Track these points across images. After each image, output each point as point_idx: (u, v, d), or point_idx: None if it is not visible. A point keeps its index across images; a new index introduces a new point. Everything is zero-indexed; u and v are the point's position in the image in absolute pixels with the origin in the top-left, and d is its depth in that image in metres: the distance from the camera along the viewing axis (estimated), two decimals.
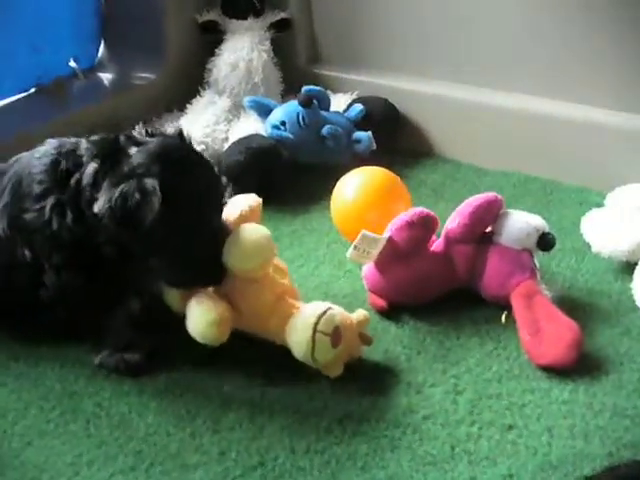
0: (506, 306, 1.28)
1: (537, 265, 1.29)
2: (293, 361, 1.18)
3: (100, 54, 1.92)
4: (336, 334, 1.15)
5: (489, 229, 1.32)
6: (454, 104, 1.73)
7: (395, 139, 1.78)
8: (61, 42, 1.84)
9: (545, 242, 1.29)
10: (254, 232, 1.19)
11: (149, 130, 1.22)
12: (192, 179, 1.16)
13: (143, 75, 1.84)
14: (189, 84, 1.83)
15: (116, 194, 1.10)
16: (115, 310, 1.24)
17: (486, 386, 1.17)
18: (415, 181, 1.70)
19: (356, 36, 1.88)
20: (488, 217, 1.30)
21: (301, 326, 1.16)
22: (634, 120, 1.55)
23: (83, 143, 1.20)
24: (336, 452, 1.08)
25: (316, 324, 1.14)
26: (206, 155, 1.39)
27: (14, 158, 1.28)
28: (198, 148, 1.50)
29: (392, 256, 1.29)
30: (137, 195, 1.09)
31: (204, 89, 1.84)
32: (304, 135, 1.66)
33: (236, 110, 1.79)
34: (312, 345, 1.15)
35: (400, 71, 1.80)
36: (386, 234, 1.29)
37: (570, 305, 1.29)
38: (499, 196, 1.31)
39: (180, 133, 1.23)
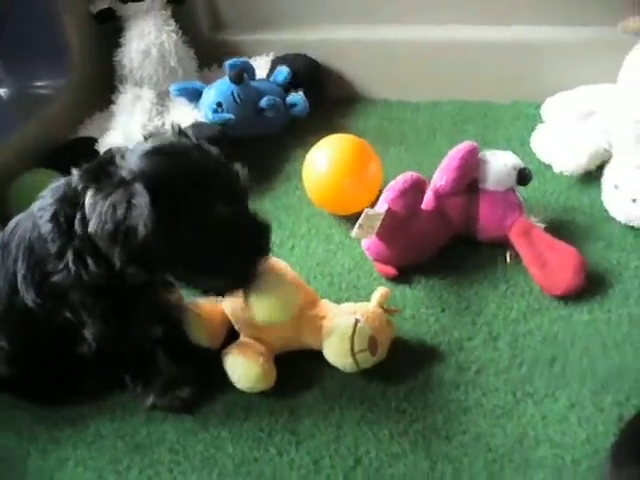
0: (503, 244, 1.37)
1: (521, 200, 1.39)
2: None
3: None
4: (372, 343, 1.20)
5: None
6: (374, 45, 1.75)
7: (322, 92, 1.78)
8: None
9: (524, 178, 1.38)
10: (281, 286, 1.19)
11: (146, 135, 1.15)
12: (189, 170, 1.06)
13: (48, 83, 1.70)
14: (101, 82, 1.73)
15: (104, 208, 1.02)
16: (155, 350, 1.24)
17: (516, 326, 1.27)
18: (355, 131, 1.71)
19: None
20: (472, 167, 1.36)
21: (338, 352, 1.20)
22: (561, 32, 1.63)
23: (75, 175, 1.10)
24: (417, 429, 1.16)
25: (352, 348, 1.19)
26: None
27: (11, 224, 1.20)
28: None
29: (392, 225, 1.34)
30: (125, 203, 1.01)
31: (121, 83, 1.74)
32: (242, 111, 1.64)
33: (162, 99, 1.72)
34: (355, 364, 1.20)
35: (311, 23, 1.79)
36: (384, 206, 1.33)
37: (552, 228, 1.39)
38: (475, 143, 1.38)
39: (175, 128, 1.14)
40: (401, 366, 1.24)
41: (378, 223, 1.33)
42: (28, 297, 1.16)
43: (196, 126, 1.60)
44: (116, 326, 1.17)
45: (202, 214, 1.05)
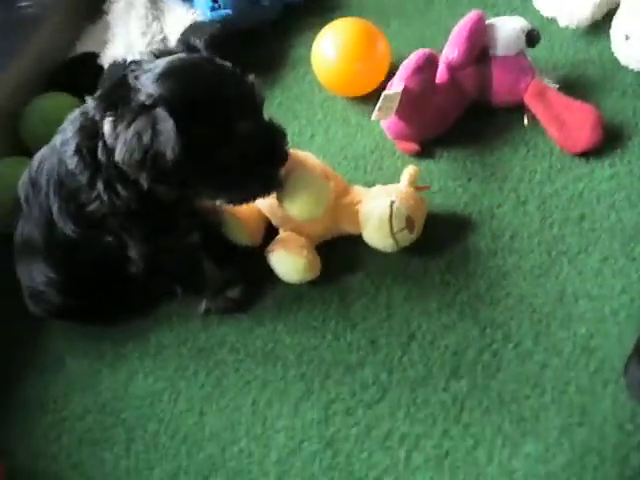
0: (518, 108, 1.38)
1: (532, 62, 1.40)
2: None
3: None
4: (409, 222, 1.24)
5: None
6: None
7: None
8: None
9: (532, 39, 1.38)
10: (311, 181, 1.22)
11: (155, 53, 1.14)
12: (208, 88, 1.06)
13: (34, 1, 1.63)
14: None
15: (129, 136, 1.04)
16: (199, 256, 1.28)
17: (542, 188, 1.31)
18: (352, 8, 1.69)
19: None
20: (481, 35, 1.36)
21: (378, 234, 1.24)
22: None
23: (90, 102, 1.11)
24: (463, 299, 1.22)
25: (391, 229, 1.23)
26: None
27: (35, 160, 1.21)
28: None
29: (410, 102, 1.35)
30: (150, 130, 1.02)
31: None
32: (239, 5, 1.60)
33: (154, 3, 1.66)
34: (396, 243, 1.25)
35: None
36: (400, 85, 1.34)
37: (564, 85, 1.40)
38: (480, 12, 1.37)
39: (185, 44, 1.16)
40: (438, 240, 1.29)
41: (396, 103, 1.34)
42: (67, 228, 1.19)
43: (196, 26, 1.57)
44: (159, 243, 1.21)
45: (224, 131, 1.07)
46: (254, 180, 1.14)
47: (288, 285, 1.29)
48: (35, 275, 1.27)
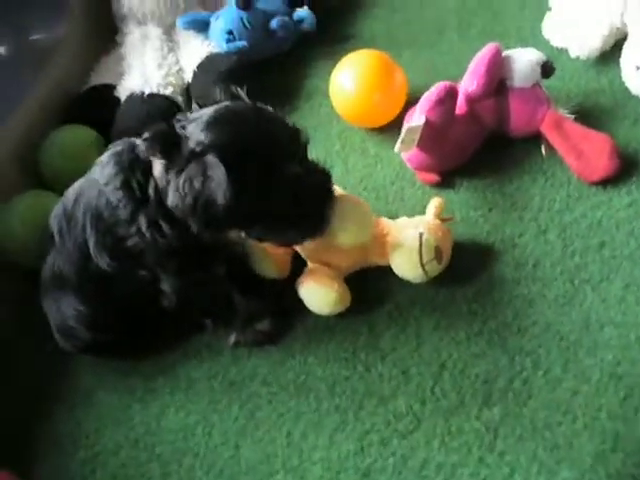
0: (535, 138, 1.42)
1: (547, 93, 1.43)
2: None
3: None
4: (438, 253, 1.26)
5: None
6: None
7: (323, 3, 1.76)
8: None
9: (548, 70, 1.41)
10: (357, 207, 1.24)
11: (200, 103, 1.17)
12: (255, 135, 1.10)
13: (48, 34, 1.64)
14: (102, 25, 1.69)
15: (181, 182, 1.07)
16: (228, 289, 1.29)
17: (562, 217, 1.34)
18: (364, 39, 1.73)
19: None
20: (499, 67, 1.39)
21: (407, 265, 1.26)
22: None
23: (140, 144, 1.15)
24: (491, 327, 1.24)
25: (421, 260, 1.25)
26: (174, 93, 1.40)
27: (71, 193, 1.23)
28: (165, 91, 1.48)
29: (431, 134, 1.38)
30: (201, 176, 1.06)
31: (123, 23, 1.70)
32: (254, 36, 1.63)
33: (169, 34, 1.69)
34: (425, 274, 1.27)
35: None
36: (421, 118, 1.37)
37: (578, 115, 1.43)
38: (497, 44, 1.40)
39: (229, 93, 1.17)
40: (463, 270, 1.31)
41: (418, 135, 1.37)
42: (102, 262, 1.20)
43: (212, 58, 1.59)
44: (191, 277, 1.22)
45: (273, 175, 1.09)
46: (307, 221, 1.16)
47: (317, 317, 1.30)
48: (65, 309, 1.28)
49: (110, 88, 1.63)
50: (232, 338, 1.30)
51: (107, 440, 1.27)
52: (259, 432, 1.22)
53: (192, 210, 1.08)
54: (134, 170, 1.14)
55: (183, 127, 1.10)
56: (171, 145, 1.09)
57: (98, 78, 1.67)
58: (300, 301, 1.31)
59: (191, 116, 1.13)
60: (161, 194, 1.12)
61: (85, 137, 1.53)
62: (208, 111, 1.12)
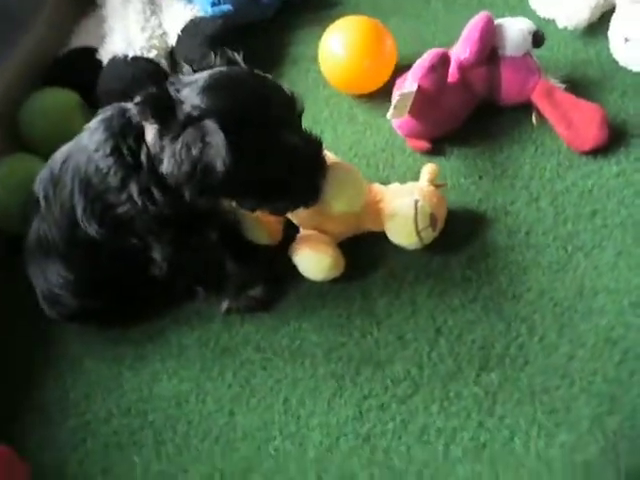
0: (525, 107, 1.42)
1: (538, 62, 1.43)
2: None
3: None
4: (433, 220, 1.26)
5: None
6: None
7: None
8: None
9: (538, 40, 1.41)
10: (350, 174, 1.23)
11: (193, 67, 1.13)
12: (253, 101, 1.07)
13: None
14: None
15: (177, 148, 1.04)
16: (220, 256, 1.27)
17: (553, 185, 1.35)
18: (349, 5, 1.70)
19: None
20: (491, 36, 1.38)
21: (403, 232, 1.26)
22: None
23: (132, 109, 1.11)
24: (486, 294, 1.24)
25: (416, 227, 1.25)
26: (158, 56, 1.39)
27: (59, 157, 1.18)
28: (149, 55, 1.44)
29: (423, 101, 1.37)
30: (199, 142, 1.02)
31: None
32: (239, 0, 1.59)
33: None
34: (420, 241, 1.26)
35: None
36: (414, 85, 1.36)
37: (567, 85, 1.44)
38: (488, 12, 1.39)
39: (225, 57, 1.14)
40: (456, 237, 1.31)
41: (411, 102, 1.36)
42: (91, 229, 1.16)
43: (197, 22, 1.55)
44: (183, 246, 1.20)
45: (272, 143, 1.07)
46: (300, 190, 1.14)
47: (310, 283, 1.29)
48: (50, 276, 1.24)
49: (91, 51, 1.58)
50: (224, 305, 1.28)
51: (98, 408, 1.24)
52: (254, 399, 1.21)
53: (189, 177, 1.04)
54: (125, 136, 1.10)
55: (177, 90, 1.06)
56: (165, 109, 1.06)
57: (78, 41, 1.62)
58: (293, 268, 1.29)
59: (185, 79, 1.09)
60: (154, 161, 1.09)
61: (66, 99, 1.48)
62: (203, 75, 1.08)
